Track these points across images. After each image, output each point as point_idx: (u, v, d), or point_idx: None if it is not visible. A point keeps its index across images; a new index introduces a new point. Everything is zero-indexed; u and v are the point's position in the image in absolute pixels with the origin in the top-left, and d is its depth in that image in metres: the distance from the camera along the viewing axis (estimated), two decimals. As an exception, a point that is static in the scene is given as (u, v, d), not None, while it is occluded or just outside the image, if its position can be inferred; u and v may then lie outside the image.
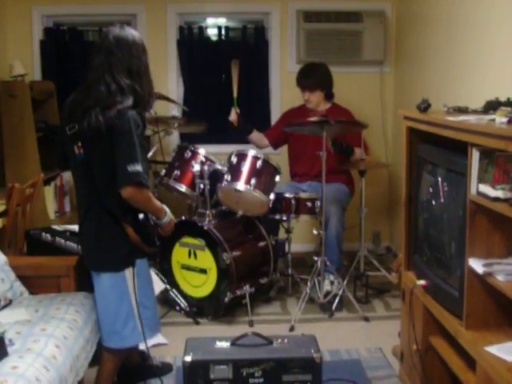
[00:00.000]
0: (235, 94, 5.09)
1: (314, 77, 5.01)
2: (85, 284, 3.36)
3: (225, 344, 3.01)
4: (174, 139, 5.77)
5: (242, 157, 4.54)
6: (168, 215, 3.15)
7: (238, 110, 5.08)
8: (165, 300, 4.68)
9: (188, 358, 2.91)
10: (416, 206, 3.32)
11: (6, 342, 2.71)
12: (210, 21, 6.07)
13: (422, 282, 3.14)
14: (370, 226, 5.73)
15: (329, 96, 5.14)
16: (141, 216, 3.02)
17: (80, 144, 2.99)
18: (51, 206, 5.28)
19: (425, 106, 3.16)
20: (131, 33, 3.05)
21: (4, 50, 5.65)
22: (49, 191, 5.27)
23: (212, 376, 2.90)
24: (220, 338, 3.08)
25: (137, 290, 3.08)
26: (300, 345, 3.00)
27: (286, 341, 3.02)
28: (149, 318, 3.17)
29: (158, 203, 3.09)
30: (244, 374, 2.89)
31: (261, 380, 2.90)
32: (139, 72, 3.02)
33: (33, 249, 4.15)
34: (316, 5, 5.70)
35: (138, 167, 2.85)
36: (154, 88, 3.14)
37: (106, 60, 2.98)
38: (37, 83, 5.51)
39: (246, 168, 4.49)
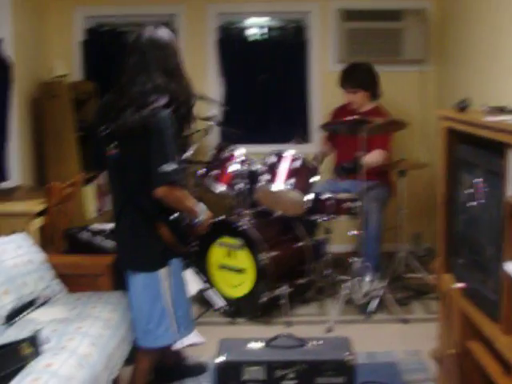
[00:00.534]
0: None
1: (354, 77, 4.96)
2: (122, 283, 3.38)
3: (258, 345, 3.00)
4: (213, 139, 5.77)
5: (280, 157, 4.53)
6: (203, 214, 3.14)
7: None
8: (203, 299, 4.70)
9: (221, 359, 2.91)
10: (454, 208, 3.26)
11: (42, 339, 2.75)
12: (250, 21, 6.06)
13: (459, 285, 3.08)
14: (410, 227, 5.65)
15: (374, 96, 5.08)
16: (175, 215, 3.03)
17: (115, 144, 3.02)
18: (92, 205, 5.35)
19: (462, 106, 3.10)
20: (165, 33, 3.07)
21: (46, 50, 5.73)
22: (89, 190, 5.33)
23: (245, 377, 2.89)
24: (253, 339, 3.08)
25: (172, 290, 3.09)
26: (333, 347, 2.98)
27: (319, 343, 3.00)
28: (182, 317, 3.18)
29: (191, 202, 3.09)
30: (277, 375, 2.88)
31: (294, 382, 2.89)
32: (174, 71, 3.03)
33: (71, 247, 4.21)
34: (356, 3, 5.65)
35: (171, 167, 2.86)
36: (193, 87, 3.14)
37: (141, 60, 3.00)
38: (78, 84, 5.59)
39: (284, 168, 4.48)
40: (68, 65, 5.64)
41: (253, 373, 2.89)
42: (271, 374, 2.88)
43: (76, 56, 5.85)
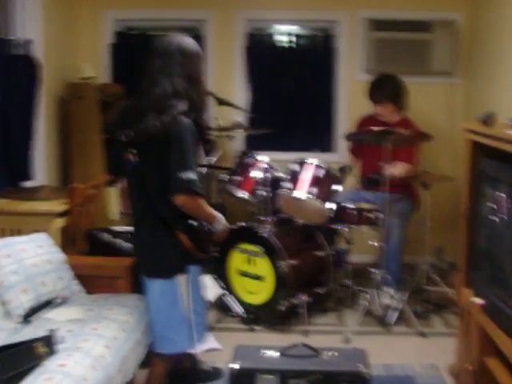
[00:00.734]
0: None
1: (383, 90, 4.94)
2: (140, 285, 3.39)
3: (273, 353, 2.99)
4: (238, 145, 5.78)
5: (303, 165, 4.52)
6: (221, 222, 3.14)
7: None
8: (222, 306, 4.69)
9: (235, 366, 2.90)
10: (476, 222, 3.22)
11: (58, 339, 2.76)
12: (279, 28, 6.06)
13: (479, 301, 3.05)
14: (434, 240, 5.60)
15: (401, 108, 5.06)
16: (194, 223, 3.02)
17: (135, 150, 3.02)
18: (114, 207, 5.37)
19: (487, 119, 3.07)
20: (192, 41, 3.10)
21: (75, 52, 5.79)
22: (112, 192, 5.35)
23: (259, 385, 2.88)
24: (269, 347, 3.06)
25: (190, 297, 3.09)
26: (349, 358, 2.95)
27: (335, 353, 2.97)
28: (199, 323, 3.17)
29: (210, 210, 3.09)
30: (291, 384, 2.86)
31: (308, 392, 2.87)
32: (197, 80, 3.04)
33: (93, 248, 4.23)
34: (385, 13, 5.63)
35: (191, 175, 2.86)
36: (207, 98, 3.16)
37: (166, 64, 3.00)
38: (106, 86, 5.62)
39: (307, 176, 4.46)
40: (96, 67, 5.69)
41: (266, 381, 2.87)
42: (285, 383, 2.86)
43: (104, 58, 5.89)
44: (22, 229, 3.97)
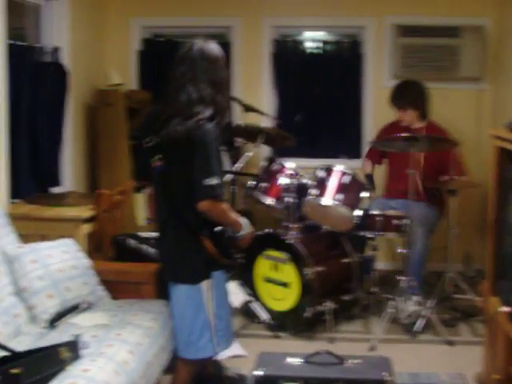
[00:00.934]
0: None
1: (406, 96, 4.93)
2: (165, 291, 3.40)
3: (296, 361, 2.97)
4: (264, 151, 5.77)
5: (329, 171, 4.50)
6: (245, 228, 3.14)
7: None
8: (247, 312, 4.69)
9: (258, 373, 2.89)
10: (504, 229, 3.19)
11: (82, 344, 2.78)
12: (306, 34, 6.06)
13: (505, 309, 3.00)
14: (461, 247, 5.56)
15: (423, 115, 5.03)
16: (218, 229, 3.03)
17: (160, 156, 3.03)
18: (142, 213, 5.40)
19: (514, 126, 3.04)
20: (216, 47, 3.09)
21: (103, 59, 5.85)
22: (140, 198, 5.38)
23: (282, 392, 2.87)
24: (292, 354, 3.05)
25: (214, 302, 3.09)
26: (373, 366, 2.93)
27: (359, 361, 2.95)
28: (223, 329, 3.17)
29: (235, 216, 3.09)
30: (314, 392, 2.85)
31: (331, 400, 2.85)
32: (221, 84, 3.04)
33: (119, 254, 4.24)
34: (412, 19, 5.61)
35: (215, 181, 2.86)
36: (229, 102, 3.17)
37: (190, 70, 3.00)
38: (134, 92, 5.67)
39: (332, 183, 4.45)
40: (124, 74, 5.74)
41: (290, 388, 2.87)
42: (308, 391, 2.85)
43: (132, 65, 5.95)
44: (49, 234, 4.00)
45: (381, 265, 5.12)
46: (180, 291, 3.11)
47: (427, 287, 4.86)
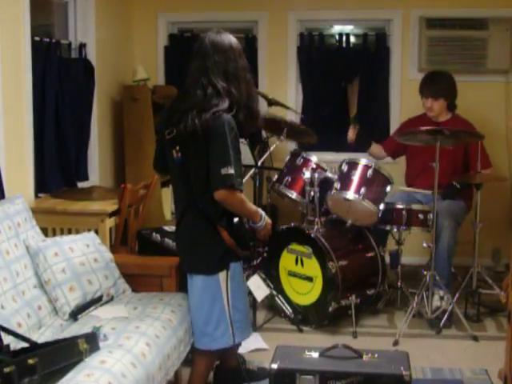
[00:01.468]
0: (352, 114, 5.03)
1: (439, 84, 4.87)
2: (185, 284, 3.42)
3: (314, 354, 2.97)
4: (290, 145, 5.77)
5: (352, 165, 4.49)
6: (264, 219, 3.15)
7: (358, 126, 5.00)
8: (270, 306, 4.70)
9: (274, 366, 2.90)
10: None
11: (101, 337, 2.82)
12: (331, 28, 6.03)
13: (527, 304, 2.97)
14: (489, 242, 5.50)
15: (451, 106, 4.98)
16: (235, 220, 3.04)
17: (178, 148, 3.06)
18: (168, 208, 5.44)
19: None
20: (228, 37, 3.09)
21: (130, 55, 5.90)
22: (166, 193, 5.42)
23: (298, 385, 2.87)
24: (310, 347, 3.05)
25: (230, 293, 3.11)
26: (390, 361, 2.91)
27: (376, 355, 2.94)
28: (240, 321, 3.18)
29: (252, 207, 3.10)
30: (330, 386, 2.85)
31: (347, 394, 2.84)
32: (236, 75, 3.04)
33: (143, 248, 4.29)
34: (439, 11, 5.55)
35: (231, 170, 2.88)
36: (254, 93, 3.14)
37: (202, 64, 3.03)
38: (160, 88, 5.70)
39: (356, 177, 4.43)
40: (150, 69, 5.78)
41: (305, 382, 2.86)
42: (324, 385, 2.85)
43: (158, 61, 5.98)
44: (73, 228, 4.08)
45: (407, 259, 5.07)
46: (197, 282, 3.14)
47: (454, 282, 4.82)
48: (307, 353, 2.98)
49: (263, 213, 3.16)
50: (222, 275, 3.09)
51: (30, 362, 2.33)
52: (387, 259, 4.81)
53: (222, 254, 3.08)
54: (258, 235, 3.20)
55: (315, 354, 2.97)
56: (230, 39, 3.11)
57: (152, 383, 2.76)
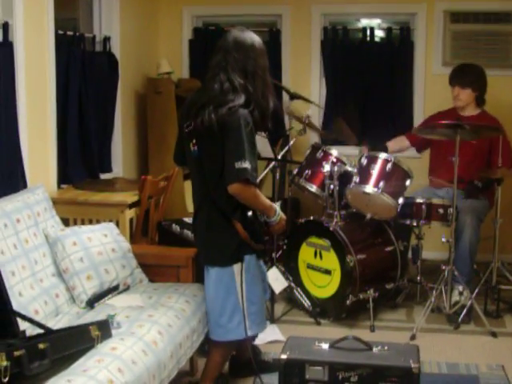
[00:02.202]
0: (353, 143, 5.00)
1: (468, 74, 4.84)
2: (202, 275, 3.46)
3: (324, 345, 2.99)
4: (312, 138, 5.77)
5: (372, 159, 4.48)
6: (278, 214, 3.17)
7: (367, 146, 4.93)
8: (289, 298, 4.73)
9: (284, 356, 2.92)
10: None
11: (114, 324, 2.88)
12: (355, 22, 6.03)
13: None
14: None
15: (480, 100, 4.94)
16: (249, 213, 3.07)
17: (195, 141, 3.10)
18: (190, 200, 5.47)
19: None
20: (250, 36, 3.12)
21: (155, 48, 5.96)
22: (189, 185, 5.45)
23: (307, 376, 2.89)
24: (321, 339, 3.07)
25: (244, 286, 3.14)
26: (400, 353, 2.92)
27: (386, 348, 2.95)
28: (254, 313, 3.21)
29: (266, 201, 3.12)
30: (340, 377, 2.86)
31: (356, 385, 2.86)
32: (254, 73, 3.07)
33: (163, 239, 4.35)
34: (464, 5, 5.52)
35: (245, 164, 2.91)
36: (271, 93, 3.16)
37: (222, 59, 3.07)
38: (184, 81, 5.75)
39: (375, 171, 4.42)
40: (175, 63, 5.84)
41: (315, 373, 2.88)
42: (333, 376, 2.86)
43: (183, 54, 6.03)
44: (94, 219, 4.14)
45: (428, 254, 5.06)
46: (212, 273, 3.18)
47: (475, 278, 4.79)
48: (317, 344, 3.00)
49: (278, 208, 3.18)
50: (236, 267, 3.12)
51: (41, 346, 2.39)
52: (410, 254, 4.81)
53: (236, 247, 3.11)
54: (272, 230, 3.22)
55: (325, 346, 2.98)
56: (253, 38, 3.14)
57: (163, 371, 2.80)
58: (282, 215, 3.23)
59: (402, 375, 2.81)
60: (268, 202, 3.15)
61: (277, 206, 3.20)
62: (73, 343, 2.57)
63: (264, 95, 3.12)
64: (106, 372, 2.46)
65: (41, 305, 3.08)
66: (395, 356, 2.90)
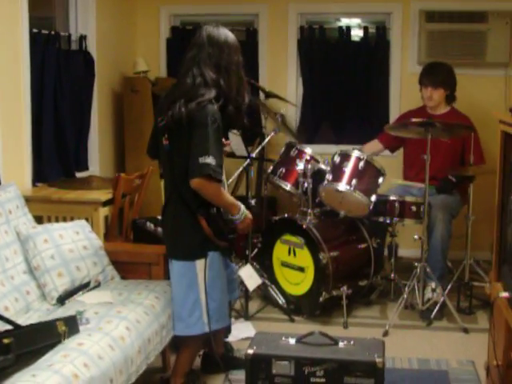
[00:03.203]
0: None
1: (439, 74, 4.88)
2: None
3: (290, 340, 3.02)
4: (287, 136, 5.79)
5: (345, 157, 4.51)
6: (242, 212, 3.19)
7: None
8: (264, 295, 4.76)
9: (250, 351, 2.95)
10: (506, 215, 3.17)
11: (83, 321, 2.90)
12: (331, 21, 6.06)
13: (504, 294, 2.99)
14: (488, 235, 5.49)
15: (450, 98, 4.99)
16: (213, 210, 3.09)
17: (167, 135, 3.14)
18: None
19: (517, 110, 3.02)
20: (224, 32, 3.17)
21: (132, 47, 5.97)
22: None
23: (274, 371, 2.92)
24: (288, 334, 3.10)
25: (206, 281, 3.16)
26: (365, 348, 2.96)
27: (351, 343, 2.99)
28: (215, 309, 3.21)
29: (229, 198, 3.15)
30: (306, 372, 2.89)
31: (322, 380, 2.88)
32: (228, 69, 3.12)
33: (138, 237, 4.34)
34: (439, 4, 5.56)
35: (209, 160, 2.94)
36: (245, 88, 3.19)
37: (196, 54, 3.12)
38: (161, 80, 5.77)
39: (348, 168, 4.46)
40: (153, 61, 5.86)
41: (281, 367, 2.91)
42: (299, 370, 2.89)
43: (160, 53, 6.05)
44: (68, 217, 4.15)
45: (405, 252, 5.11)
46: (175, 267, 3.22)
47: (450, 275, 4.84)
48: (284, 339, 3.03)
49: (243, 206, 3.21)
50: (199, 263, 3.14)
51: (5, 341, 2.41)
52: (387, 252, 4.86)
53: (200, 242, 3.14)
54: (236, 228, 3.24)
55: (292, 341, 3.02)
56: (227, 34, 3.18)
57: (131, 366, 2.83)
58: (248, 214, 3.25)
59: (366, 369, 2.85)
60: (231, 199, 3.17)
61: (242, 204, 3.22)
62: (38, 338, 2.59)
63: (239, 91, 3.16)
64: (71, 367, 2.48)
65: (11, 301, 3.09)
66: (360, 351, 2.93)
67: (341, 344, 2.97)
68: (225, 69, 3.12)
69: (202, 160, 2.94)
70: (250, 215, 3.25)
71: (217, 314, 3.23)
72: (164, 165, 3.28)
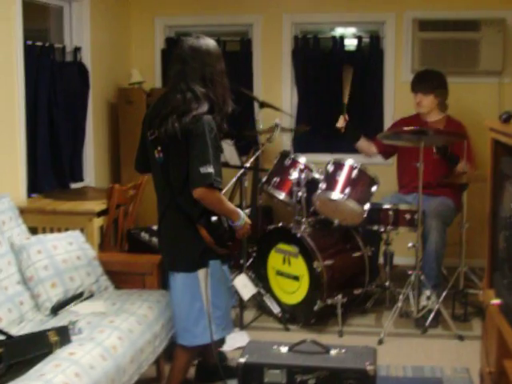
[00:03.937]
0: (345, 101, 5.06)
1: (429, 80, 4.90)
2: (166, 282, 3.49)
3: (282, 349, 3.03)
4: (282, 146, 5.82)
5: (338, 166, 4.53)
6: (242, 218, 3.22)
7: (347, 117, 5.03)
8: (258, 305, 4.76)
9: (242, 360, 2.96)
10: (498, 223, 3.17)
11: (76, 331, 2.91)
12: (326, 31, 6.09)
13: (496, 301, 3.00)
14: (482, 242, 5.49)
15: (442, 106, 5.01)
16: (214, 218, 3.11)
17: (159, 148, 3.15)
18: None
19: (506, 117, 3.04)
20: (205, 42, 3.18)
21: (126, 58, 6.00)
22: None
23: (266, 380, 2.93)
24: (280, 343, 3.10)
25: (209, 291, 3.17)
26: (356, 356, 2.96)
27: (343, 351, 2.99)
28: (219, 317, 3.24)
29: (230, 206, 3.17)
30: (298, 380, 2.90)
31: (314, 388, 2.90)
32: (212, 80, 3.13)
33: (133, 247, 4.37)
34: (432, 13, 5.59)
35: (210, 169, 2.96)
36: (229, 97, 3.22)
37: (181, 69, 3.13)
38: (156, 91, 5.77)
39: (341, 177, 4.47)
40: (148, 73, 5.89)
41: (273, 376, 2.92)
42: (291, 379, 2.90)
43: (155, 64, 6.07)
44: (63, 228, 4.16)
45: (401, 260, 5.12)
46: (177, 279, 3.22)
47: (445, 283, 4.84)
48: (276, 347, 3.04)
49: (242, 213, 3.23)
50: (201, 273, 3.16)
51: (-4, 351, 2.42)
52: (382, 260, 4.86)
53: (201, 252, 3.15)
54: (237, 234, 3.26)
55: (284, 349, 3.03)
56: (208, 44, 3.20)
57: (123, 375, 2.84)
58: (247, 220, 3.28)
59: (358, 377, 2.86)
60: (232, 206, 3.20)
61: (242, 211, 3.24)
62: (30, 348, 2.61)
63: (225, 100, 3.19)
64: (62, 377, 2.49)
65: (4, 312, 3.10)
66: (352, 358, 2.94)
67: (332, 352, 2.98)
68: (210, 81, 3.14)
69: (203, 170, 2.96)
70: (249, 221, 3.28)
71: (223, 321, 3.26)
72: (157, 177, 3.28)
